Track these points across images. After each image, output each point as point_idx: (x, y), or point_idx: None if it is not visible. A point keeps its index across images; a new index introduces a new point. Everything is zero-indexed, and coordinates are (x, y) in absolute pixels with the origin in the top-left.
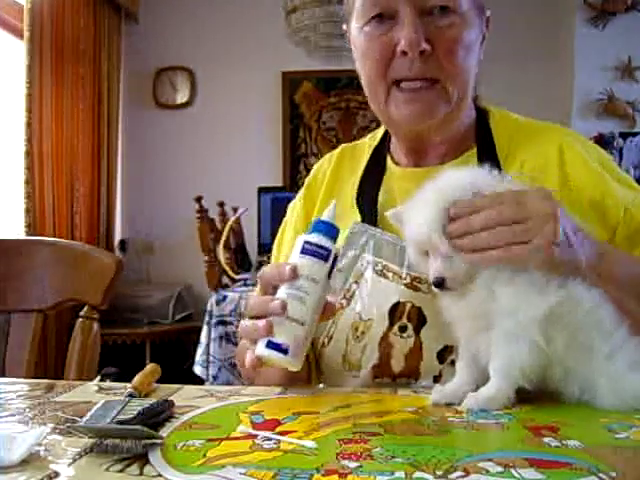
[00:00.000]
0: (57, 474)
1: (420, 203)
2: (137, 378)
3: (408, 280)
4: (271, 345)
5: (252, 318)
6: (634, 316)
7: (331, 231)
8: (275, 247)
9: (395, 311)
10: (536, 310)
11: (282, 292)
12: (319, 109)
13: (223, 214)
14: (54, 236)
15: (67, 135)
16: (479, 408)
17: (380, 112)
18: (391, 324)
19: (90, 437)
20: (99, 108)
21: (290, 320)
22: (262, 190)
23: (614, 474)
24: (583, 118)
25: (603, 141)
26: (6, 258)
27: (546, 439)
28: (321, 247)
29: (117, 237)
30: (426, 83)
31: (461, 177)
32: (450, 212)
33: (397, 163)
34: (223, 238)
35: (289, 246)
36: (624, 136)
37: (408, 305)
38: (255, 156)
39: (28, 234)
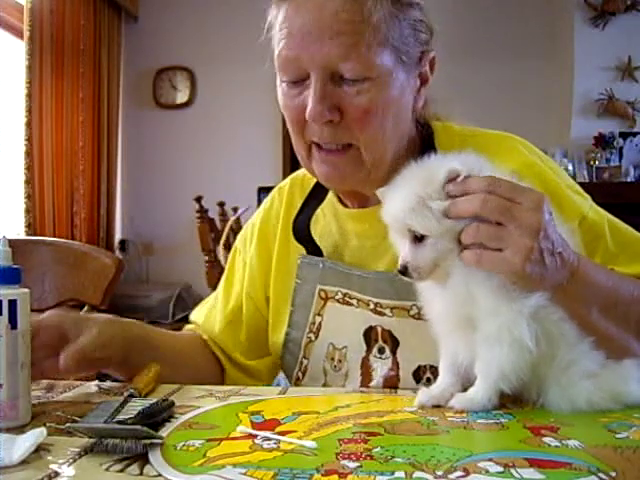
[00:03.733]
0: (57, 474)
1: (399, 186)
2: (137, 378)
3: (372, 306)
4: None
5: None
6: (599, 331)
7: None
8: (225, 279)
9: (370, 335)
10: (520, 308)
11: None
12: None
13: (223, 214)
14: (54, 236)
15: (67, 135)
16: (461, 408)
17: (304, 164)
18: (368, 347)
19: (90, 437)
20: (99, 108)
21: None
22: (262, 190)
23: (614, 474)
24: (583, 118)
25: (603, 141)
26: None
27: (546, 439)
28: None
29: (117, 237)
30: (339, 147)
31: (442, 164)
32: (446, 191)
33: (344, 204)
34: (223, 238)
35: (239, 275)
36: (624, 136)
37: (379, 328)
38: (255, 156)
39: (28, 234)
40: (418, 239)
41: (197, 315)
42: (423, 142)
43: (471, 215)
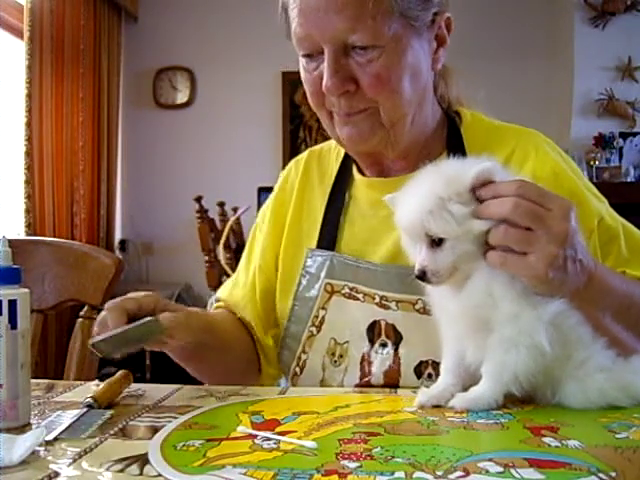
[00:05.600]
0: (57, 474)
1: (414, 189)
2: (101, 386)
3: (377, 299)
4: None
5: None
6: (611, 334)
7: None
8: (245, 257)
9: (373, 330)
10: (540, 314)
11: None
12: None
13: (223, 214)
14: (54, 236)
15: (67, 135)
16: (464, 408)
17: (329, 132)
18: (371, 342)
19: (114, 346)
20: (99, 108)
21: None
22: (262, 190)
23: (614, 474)
24: (583, 118)
25: (603, 141)
26: None
27: (546, 439)
28: None
29: (117, 237)
30: (358, 111)
31: (463, 167)
32: (477, 194)
33: (362, 173)
34: (223, 238)
35: (260, 255)
36: (624, 136)
37: (383, 323)
38: (255, 156)
39: (28, 234)
40: (436, 243)
41: (223, 292)
42: (449, 127)
43: (501, 218)
